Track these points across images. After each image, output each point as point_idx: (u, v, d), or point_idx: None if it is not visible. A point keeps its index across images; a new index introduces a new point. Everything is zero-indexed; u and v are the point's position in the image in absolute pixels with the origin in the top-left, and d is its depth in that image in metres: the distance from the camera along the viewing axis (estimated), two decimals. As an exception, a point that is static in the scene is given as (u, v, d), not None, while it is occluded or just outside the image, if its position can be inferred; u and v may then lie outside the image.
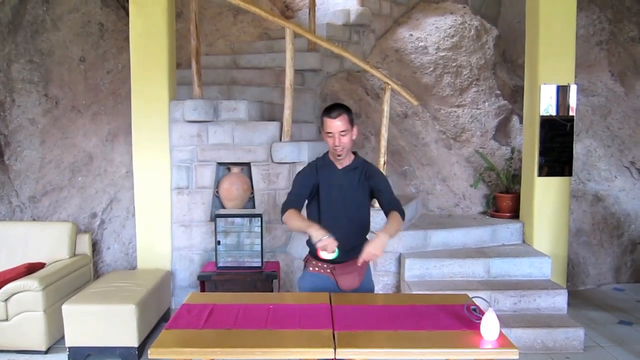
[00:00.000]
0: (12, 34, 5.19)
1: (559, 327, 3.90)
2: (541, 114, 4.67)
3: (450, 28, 6.41)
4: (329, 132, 2.71)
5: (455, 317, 2.34)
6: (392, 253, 4.56)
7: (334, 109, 2.73)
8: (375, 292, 4.52)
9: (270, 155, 4.54)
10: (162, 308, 4.28)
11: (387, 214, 2.83)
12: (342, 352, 2.04)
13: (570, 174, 4.78)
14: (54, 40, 5.27)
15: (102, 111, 5.24)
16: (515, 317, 4.05)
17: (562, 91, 4.65)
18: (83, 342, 3.66)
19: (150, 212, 4.61)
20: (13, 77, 5.15)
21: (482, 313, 2.21)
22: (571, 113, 4.70)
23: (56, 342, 3.95)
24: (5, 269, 4.03)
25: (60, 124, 5.17)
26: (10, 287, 3.73)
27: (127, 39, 4.75)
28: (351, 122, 2.74)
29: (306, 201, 2.87)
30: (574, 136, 4.79)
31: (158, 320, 4.17)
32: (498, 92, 6.12)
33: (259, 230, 4.13)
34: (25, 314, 3.76)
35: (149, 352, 2.06)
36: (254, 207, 4.68)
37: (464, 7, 6.73)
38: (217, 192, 4.68)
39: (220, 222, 4.13)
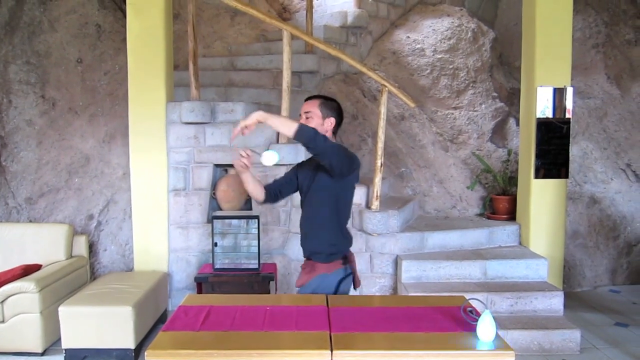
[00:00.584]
0: (9, 35, 5.19)
1: (555, 329, 3.91)
2: (538, 116, 4.69)
3: (447, 30, 6.43)
4: (300, 114, 2.74)
5: (452, 318, 2.34)
6: (388, 255, 4.57)
7: (313, 95, 2.80)
8: (372, 294, 4.55)
9: (267, 157, 4.53)
10: (158, 310, 4.28)
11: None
12: (339, 354, 2.04)
13: (566, 176, 4.79)
14: (51, 41, 5.27)
15: (99, 113, 5.24)
16: (512, 318, 4.06)
17: (559, 93, 4.67)
18: (79, 344, 3.65)
19: (147, 213, 4.61)
20: (10, 79, 5.14)
21: (479, 315, 2.21)
22: (567, 115, 4.71)
23: (52, 344, 3.94)
24: (2, 271, 4.02)
25: (57, 126, 5.16)
26: (6, 288, 3.72)
27: (124, 40, 4.75)
28: (322, 110, 2.69)
29: (281, 188, 2.95)
30: (570, 138, 4.81)
31: (155, 322, 4.17)
32: (495, 94, 6.14)
33: (256, 232, 4.13)
34: (21, 315, 3.75)
35: (145, 354, 2.05)
36: (250, 209, 4.68)
37: (461, 10, 6.74)
38: (214, 193, 4.67)
39: (217, 223, 4.13)
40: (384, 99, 4.54)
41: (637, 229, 5.64)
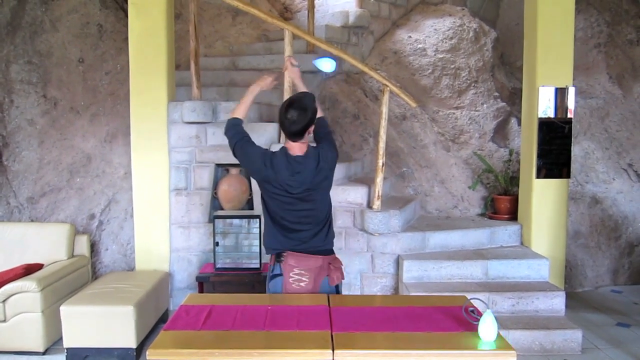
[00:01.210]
0: (11, 35, 5.19)
1: (557, 329, 3.90)
2: (539, 116, 4.68)
3: (448, 30, 6.42)
4: None
5: (453, 318, 2.34)
6: (390, 255, 4.56)
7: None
8: (374, 293, 4.55)
9: (268, 157, 4.53)
10: (160, 309, 4.28)
11: None
12: (340, 354, 2.04)
13: (568, 176, 4.79)
14: (53, 41, 5.27)
15: (101, 112, 5.24)
16: (513, 318, 4.05)
17: (560, 93, 4.66)
18: (81, 343, 3.65)
19: (148, 213, 4.61)
20: (12, 78, 5.14)
21: (480, 315, 2.21)
22: (569, 115, 4.71)
23: (54, 343, 3.95)
24: (3, 270, 4.02)
25: (58, 125, 5.17)
26: (8, 288, 3.73)
27: (125, 40, 4.75)
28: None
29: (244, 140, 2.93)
30: (572, 138, 4.80)
31: (156, 322, 4.17)
32: (496, 94, 6.13)
33: (257, 232, 4.13)
34: (23, 315, 3.75)
35: (147, 353, 2.06)
36: (252, 208, 4.68)
37: (463, 10, 6.74)
38: (215, 193, 4.68)
39: (219, 223, 4.13)
40: (385, 98, 4.54)
41: (638, 229, 5.63)
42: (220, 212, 4.32)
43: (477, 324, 2.14)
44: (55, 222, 4.93)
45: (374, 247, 4.58)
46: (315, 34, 5.75)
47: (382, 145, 4.56)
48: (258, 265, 4.15)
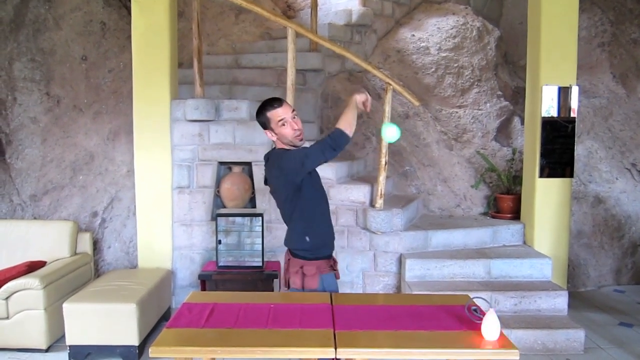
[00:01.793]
0: (14, 32, 5.20)
1: (560, 329, 3.90)
2: (542, 115, 4.67)
3: (452, 29, 6.41)
4: (282, 119, 2.62)
5: (456, 317, 2.34)
6: (392, 253, 4.56)
7: (273, 101, 2.67)
8: (376, 292, 4.55)
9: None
10: (162, 307, 4.29)
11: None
12: (342, 352, 2.04)
13: (571, 176, 4.78)
14: (56, 39, 5.27)
15: (104, 110, 5.25)
16: (516, 318, 4.05)
17: (564, 92, 4.65)
18: (83, 340, 3.66)
19: (151, 211, 4.61)
20: (15, 76, 5.15)
21: (483, 314, 2.21)
22: (572, 114, 4.70)
23: (57, 340, 3.96)
24: (6, 268, 4.03)
25: (61, 123, 5.17)
26: (11, 285, 3.74)
27: (129, 38, 4.75)
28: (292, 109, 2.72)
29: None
30: (575, 138, 4.79)
31: (158, 319, 4.17)
32: (499, 93, 6.12)
33: (260, 230, 4.13)
34: (25, 312, 3.76)
35: (149, 350, 2.06)
36: (254, 206, 4.69)
37: (466, 8, 6.72)
38: (218, 191, 4.68)
39: (221, 221, 4.14)
40: (388, 97, 4.53)
41: (642, 228, 5.63)
42: (222, 210, 4.32)
43: (480, 323, 2.14)
44: (58, 219, 4.93)
45: (376, 246, 4.58)
46: (318, 32, 5.74)
47: (384, 143, 4.56)
48: (260, 264, 4.15)
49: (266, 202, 4.59)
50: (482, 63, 6.23)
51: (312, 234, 2.69)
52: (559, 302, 4.15)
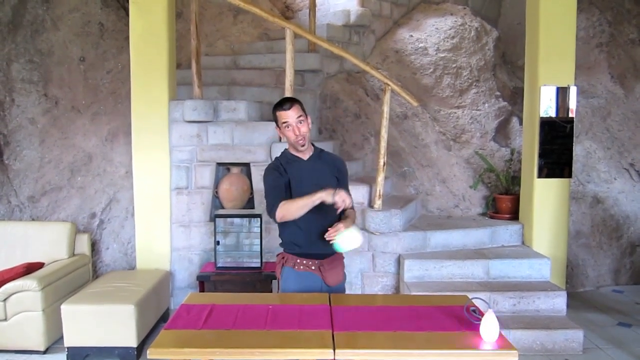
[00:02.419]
0: (12, 33, 5.19)
1: (558, 329, 3.90)
2: (541, 115, 4.67)
3: (450, 29, 6.41)
4: (285, 122, 2.70)
5: (455, 318, 2.34)
6: (391, 254, 4.56)
7: (285, 101, 2.75)
8: (375, 293, 4.55)
9: (269, 156, 4.54)
10: (161, 308, 4.28)
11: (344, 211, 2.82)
12: (341, 353, 2.04)
13: (569, 176, 4.78)
14: (54, 40, 5.27)
15: (102, 111, 5.24)
16: (515, 318, 4.05)
17: (562, 93, 4.66)
18: (82, 342, 3.65)
19: (149, 212, 4.61)
20: (13, 77, 5.14)
21: (482, 314, 2.21)
22: (571, 115, 4.70)
23: (55, 342, 3.95)
24: (4, 269, 4.02)
25: (59, 124, 5.17)
26: (9, 286, 3.73)
27: (127, 39, 4.75)
28: (304, 111, 2.75)
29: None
30: (574, 138, 4.79)
31: (157, 321, 4.17)
32: (498, 93, 6.13)
33: (258, 231, 4.13)
34: (24, 313, 3.75)
35: (148, 352, 2.05)
36: (253, 207, 4.68)
37: (464, 9, 6.73)
38: (216, 192, 4.67)
39: (220, 222, 4.13)
40: (386, 97, 4.54)
41: (640, 228, 5.63)
42: (221, 211, 4.32)
43: (479, 324, 2.14)
44: (56, 221, 4.93)
45: (375, 247, 4.58)
46: (317, 33, 5.74)
47: (383, 144, 4.56)
48: (259, 265, 4.14)
49: (264, 202, 4.57)
50: (481, 63, 6.24)
51: (284, 232, 2.84)
52: (557, 302, 4.16)
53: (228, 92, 5.43)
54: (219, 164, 4.69)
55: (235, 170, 4.71)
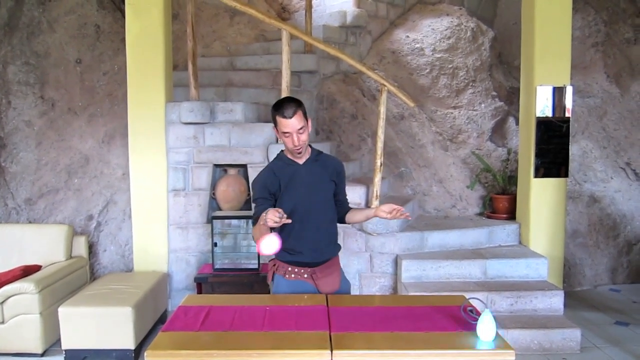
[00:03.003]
0: (8, 35, 5.18)
1: (556, 328, 3.91)
2: (537, 115, 4.68)
3: (446, 30, 6.42)
4: (286, 132, 2.56)
5: (452, 318, 2.34)
6: (388, 254, 4.56)
7: (288, 106, 2.55)
8: (372, 293, 4.55)
9: (266, 157, 4.54)
10: (158, 310, 4.27)
11: (343, 213, 2.90)
12: (338, 354, 2.04)
13: (566, 175, 4.79)
14: (50, 42, 5.26)
15: (98, 113, 5.23)
16: (512, 318, 4.05)
17: (558, 92, 4.67)
18: (79, 344, 3.64)
19: (146, 214, 4.60)
20: (9, 79, 5.14)
21: (479, 314, 2.21)
22: (567, 114, 4.71)
23: (52, 344, 3.94)
24: (1, 272, 4.01)
25: (56, 126, 5.16)
26: (6, 289, 3.72)
27: (123, 40, 4.74)
28: (306, 116, 2.61)
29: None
30: (570, 137, 4.80)
31: (154, 323, 4.16)
32: (494, 93, 6.14)
33: (256, 232, 4.12)
34: (21, 316, 3.74)
35: (145, 354, 2.05)
36: (250, 209, 4.67)
37: (460, 9, 6.74)
38: (213, 194, 4.67)
39: (217, 224, 4.13)
40: (383, 98, 4.54)
41: (637, 227, 5.64)
42: (218, 213, 4.32)
43: (476, 324, 2.14)
44: (53, 223, 4.92)
45: (372, 247, 4.58)
46: (313, 34, 5.75)
47: (380, 145, 4.57)
48: (256, 266, 4.14)
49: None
50: (477, 64, 6.25)
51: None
52: (555, 301, 4.16)
53: (225, 94, 5.43)
54: (216, 166, 4.69)
55: (232, 171, 4.71)
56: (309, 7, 5.79)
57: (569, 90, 4.68)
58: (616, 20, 6.06)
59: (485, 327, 2.10)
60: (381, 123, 4.56)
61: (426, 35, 6.43)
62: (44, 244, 4.34)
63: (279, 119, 2.57)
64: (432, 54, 6.30)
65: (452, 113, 6.03)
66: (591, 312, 4.73)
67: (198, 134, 4.59)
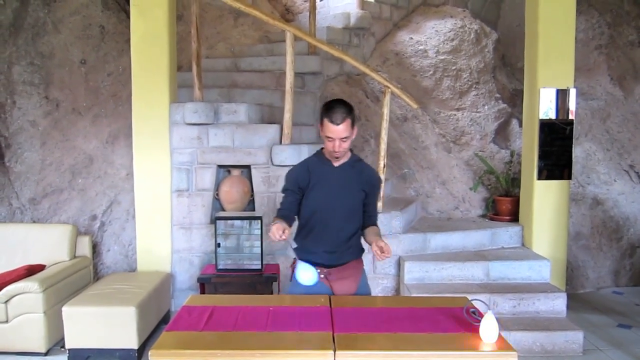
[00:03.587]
0: (13, 36, 5.21)
1: (558, 330, 3.91)
2: (540, 117, 4.68)
3: (450, 32, 6.43)
4: (330, 137, 2.57)
5: (455, 319, 2.34)
6: (391, 256, 4.56)
7: (337, 111, 2.53)
8: (375, 295, 4.55)
9: (270, 158, 4.55)
10: (161, 310, 4.29)
11: (365, 225, 2.84)
12: (341, 355, 2.04)
13: (569, 178, 4.79)
14: (55, 42, 5.28)
15: (103, 113, 5.25)
16: (515, 320, 4.05)
17: (562, 95, 4.67)
18: (83, 344, 3.66)
19: (150, 214, 4.62)
20: (14, 80, 5.16)
21: (481, 316, 2.21)
22: (570, 117, 4.71)
23: (56, 344, 3.96)
24: (6, 271, 4.03)
25: (60, 126, 5.18)
26: (10, 289, 3.74)
27: (128, 41, 4.76)
28: (353, 125, 2.58)
29: (298, 205, 2.76)
30: (573, 140, 4.80)
31: (158, 323, 4.18)
32: (498, 95, 6.14)
33: (259, 233, 4.13)
34: (25, 315, 3.76)
35: (149, 354, 2.06)
36: (254, 209, 4.69)
37: (464, 11, 6.75)
38: (217, 194, 4.68)
39: (220, 224, 4.14)
40: (386, 100, 4.55)
41: (640, 230, 5.64)
42: (221, 213, 4.33)
43: (479, 325, 2.15)
44: (57, 223, 4.93)
45: (375, 248, 4.57)
46: (317, 36, 5.76)
47: (383, 146, 4.57)
48: (260, 267, 4.15)
49: (265, 204, 4.60)
50: (480, 66, 6.25)
51: (296, 238, 2.88)
52: (557, 303, 4.16)
53: (228, 95, 5.44)
54: (219, 166, 4.70)
55: (235, 172, 4.72)
56: (312, 8, 5.81)
57: (573, 93, 4.68)
58: (620, 22, 6.06)
59: (488, 328, 2.10)
60: (384, 124, 4.56)
61: (430, 37, 6.44)
62: (48, 243, 4.35)
63: (326, 122, 2.56)
64: (436, 56, 6.30)
65: (455, 115, 6.04)
66: (594, 315, 4.73)
67: (202, 135, 4.60)
